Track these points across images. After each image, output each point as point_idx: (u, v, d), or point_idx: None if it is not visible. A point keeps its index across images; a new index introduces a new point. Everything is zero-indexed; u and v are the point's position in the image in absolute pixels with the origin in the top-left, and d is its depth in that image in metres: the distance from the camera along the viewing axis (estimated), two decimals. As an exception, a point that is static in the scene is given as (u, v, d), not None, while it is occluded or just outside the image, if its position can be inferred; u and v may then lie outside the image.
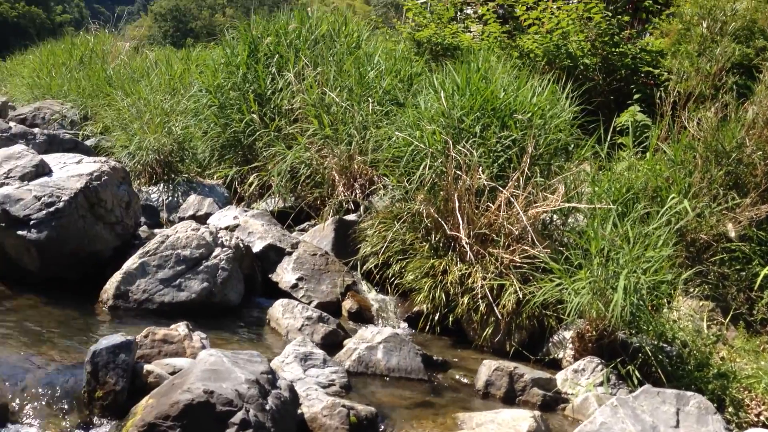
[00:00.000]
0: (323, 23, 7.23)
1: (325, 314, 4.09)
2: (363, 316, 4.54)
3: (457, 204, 4.39)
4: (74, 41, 12.72)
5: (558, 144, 4.75)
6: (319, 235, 5.23)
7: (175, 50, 13.22)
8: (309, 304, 4.43)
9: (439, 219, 4.49)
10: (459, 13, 9.54)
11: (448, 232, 4.43)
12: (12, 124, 6.22)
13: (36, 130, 6.38)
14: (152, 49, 12.94)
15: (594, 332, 3.82)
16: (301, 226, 5.74)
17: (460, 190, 4.39)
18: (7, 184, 4.06)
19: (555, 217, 4.52)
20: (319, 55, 6.75)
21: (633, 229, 3.76)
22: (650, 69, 6.86)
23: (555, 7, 7.52)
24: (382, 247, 4.74)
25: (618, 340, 3.81)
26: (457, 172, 4.41)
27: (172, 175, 6.11)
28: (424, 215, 4.57)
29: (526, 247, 4.13)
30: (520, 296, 4.03)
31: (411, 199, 4.71)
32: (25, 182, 4.10)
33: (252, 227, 5.03)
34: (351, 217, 5.32)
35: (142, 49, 12.69)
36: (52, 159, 4.50)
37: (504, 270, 4.18)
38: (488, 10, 7.98)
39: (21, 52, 17.17)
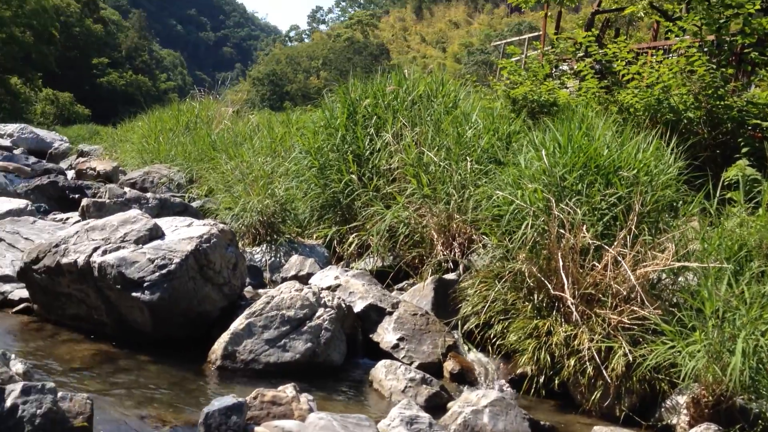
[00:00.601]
0: (420, 84, 7.34)
1: (428, 376, 4.05)
2: (465, 377, 4.47)
3: (560, 263, 4.30)
4: (180, 108, 13.33)
5: (665, 201, 4.63)
6: (419, 294, 5.22)
7: (273, 113, 13.68)
8: (410, 364, 4.40)
9: (542, 278, 4.41)
10: (554, 70, 9.52)
11: (552, 292, 4.35)
12: (126, 189, 6.53)
13: (149, 194, 6.68)
14: (252, 113, 13.40)
15: (710, 397, 3.64)
16: (400, 285, 5.75)
17: (563, 249, 4.32)
18: (124, 247, 4.23)
19: (664, 276, 4.37)
20: (417, 116, 6.84)
21: (749, 288, 3.60)
22: (758, 122, 6.63)
23: (655, 60, 7.40)
24: (483, 306, 4.68)
25: (736, 406, 3.62)
26: (560, 230, 4.34)
27: (275, 236, 6.25)
28: (527, 274, 4.50)
29: (635, 308, 4.01)
30: (630, 359, 3.89)
31: (512, 258, 4.65)
32: (140, 245, 4.27)
33: (353, 287, 5.06)
34: (450, 276, 5.28)
35: (242, 113, 13.16)
36: (164, 222, 4.67)
37: (612, 331, 4.06)
38: (585, 65, 7.93)
39: (130, 119, 18.09)
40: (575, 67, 8.61)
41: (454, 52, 68.17)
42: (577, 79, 8.45)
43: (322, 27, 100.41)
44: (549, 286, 4.37)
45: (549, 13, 12.38)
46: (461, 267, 5.32)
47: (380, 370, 4.11)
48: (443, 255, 5.47)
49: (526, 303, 4.56)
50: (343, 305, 4.55)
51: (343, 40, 71.84)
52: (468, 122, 6.51)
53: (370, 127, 6.92)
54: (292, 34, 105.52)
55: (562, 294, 4.26)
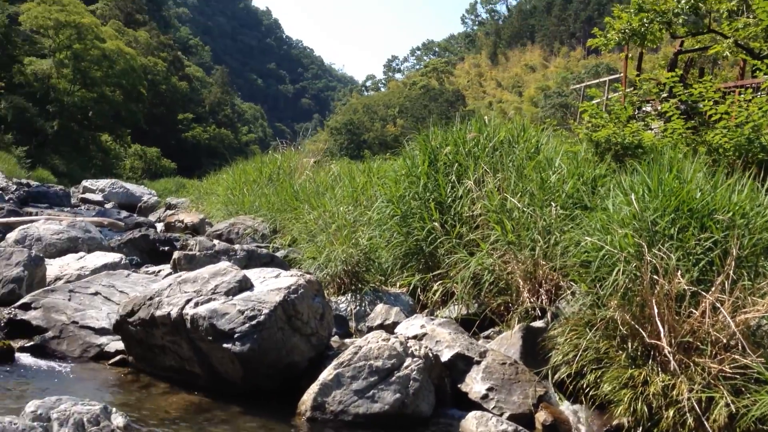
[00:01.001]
0: (501, 131, 7.32)
1: (520, 427, 3.96)
2: (558, 429, 4.34)
3: (655, 310, 4.17)
4: (263, 160, 13.64)
5: (763, 244, 4.45)
6: (507, 343, 5.12)
7: (352, 162, 13.85)
8: (500, 415, 4.30)
9: (636, 326, 4.28)
10: (637, 112, 9.36)
11: (647, 340, 4.20)
12: (215, 241, 6.68)
13: (237, 246, 6.81)
14: (332, 162, 13.59)
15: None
16: (486, 333, 5.66)
17: (657, 296, 4.18)
18: (215, 299, 4.31)
19: (765, 322, 4.18)
20: (498, 162, 6.81)
21: None
22: None
23: (743, 99, 7.20)
24: (575, 355, 4.55)
25: None
26: (654, 276, 4.21)
27: (359, 285, 6.27)
28: (619, 322, 4.37)
29: (736, 356, 3.83)
30: (733, 410, 3.71)
31: (603, 305, 4.53)
32: (230, 297, 4.35)
33: (439, 336, 5.01)
34: (538, 324, 5.18)
35: (322, 163, 13.37)
36: (252, 274, 4.75)
37: (712, 381, 3.89)
38: (670, 106, 7.76)
39: (214, 172, 18.61)
40: (659, 108, 8.45)
41: (531, 95, 68.06)
42: (662, 120, 8.28)
43: (398, 76, 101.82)
44: (644, 334, 4.23)
45: (629, 55, 12.23)
46: (549, 314, 5.21)
47: (471, 422, 4.03)
48: (530, 302, 5.37)
49: (620, 351, 4.42)
50: (431, 355, 4.50)
51: (419, 88, 72.62)
52: (551, 167, 6.44)
53: (451, 175, 6.92)
54: (368, 83, 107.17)
55: (658, 342, 4.12)
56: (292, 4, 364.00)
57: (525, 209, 5.83)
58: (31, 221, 8.35)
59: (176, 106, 66.30)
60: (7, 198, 15.43)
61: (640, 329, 4.26)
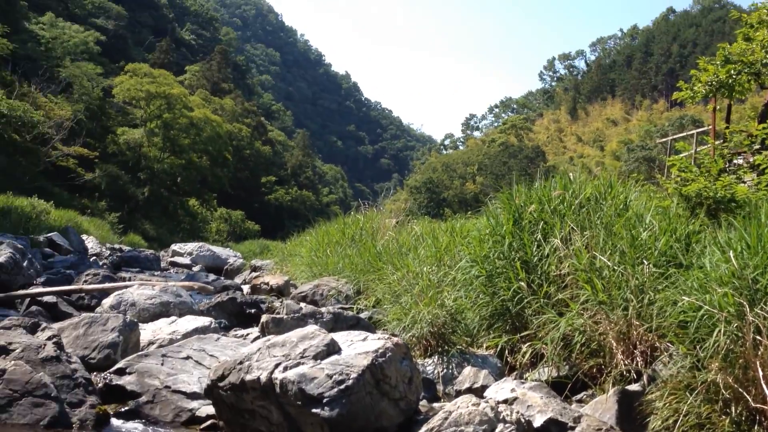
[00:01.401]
0: (587, 187, 7.19)
1: (621, 498, 3.77)
2: (661, 499, 4.12)
3: (760, 372, 3.96)
4: (345, 221, 13.77)
5: None
6: (601, 407, 4.93)
7: (432, 220, 13.84)
8: (598, 484, 4.12)
9: (740, 389, 4.07)
10: (728, 164, 9.09)
11: (752, 405, 3.99)
12: (302, 305, 6.73)
13: (323, 309, 6.85)
14: (413, 221, 13.59)
15: None
16: (579, 397, 5.48)
17: (761, 358, 3.97)
18: (303, 363, 4.31)
19: None
20: (586, 219, 6.67)
21: None
22: None
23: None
24: (675, 421, 4.35)
25: None
26: (757, 337, 4.01)
27: (446, 347, 6.18)
28: (721, 386, 4.16)
29: None
30: None
31: (704, 367, 4.33)
32: (318, 361, 4.34)
33: (530, 400, 4.87)
34: (634, 387, 4.98)
35: (404, 222, 13.38)
36: (340, 337, 4.74)
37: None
38: (764, 158, 7.51)
39: (297, 233, 18.88)
40: (752, 160, 8.18)
41: (613, 149, 67.10)
42: (755, 172, 8.01)
43: (476, 134, 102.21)
44: (748, 398, 4.01)
45: (717, 107, 11.96)
46: (645, 377, 5.01)
47: (567, 492, 3.87)
48: (624, 364, 5.18)
49: (723, 416, 4.20)
50: (522, 420, 4.37)
51: (498, 145, 72.63)
52: (641, 224, 6.27)
53: (536, 233, 6.81)
54: (446, 142, 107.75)
55: (764, 406, 3.90)
56: (370, 68, 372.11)
57: (615, 268, 5.67)
58: (125, 287, 8.61)
59: (260, 169, 68.08)
60: (101, 263, 16.00)
61: (744, 393, 4.05)
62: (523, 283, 6.34)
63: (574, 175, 7.70)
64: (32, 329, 5.26)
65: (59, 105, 36.41)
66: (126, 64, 50.74)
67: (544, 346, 5.79)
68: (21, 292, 8.53)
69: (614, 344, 5.35)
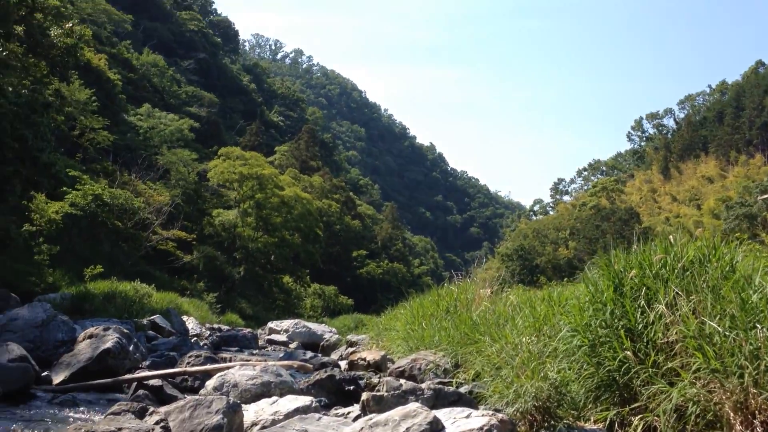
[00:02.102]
0: (689, 250, 6.95)
1: None
2: None
3: None
4: (439, 292, 13.69)
5: None
6: (724, 483, 4.65)
7: (527, 288, 13.60)
8: None
9: None
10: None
11: None
12: (402, 381, 6.67)
13: (423, 385, 6.77)
14: (507, 290, 13.39)
15: None
16: (697, 471, 5.19)
17: None
18: (407, 442, 4.25)
19: None
20: (690, 283, 6.43)
21: None
22: None
23: None
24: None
25: None
26: None
27: (552, 422, 5.98)
28: None
29: None
30: None
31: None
32: (422, 440, 4.27)
33: (646, 477, 4.64)
34: (757, 460, 4.69)
35: (497, 291, 13.20)
36: (442, 414, 4.67)
37: None
38: None
39: (390, 306, 18.88)
40: None
41: (711, 208, 65.03)
42: None
43: (566, 198, 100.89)
44: None
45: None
46: (769, 449, 4.72)
47: None
48: (744, 436, 4.90)
49: None
50: (640, 499, 4.16)
51: (589, 208, 71.44)
52: (751, 285, 5.99)
53: (639, 299, 6.59)
54: (536, 207, 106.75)
55: None
56: (454, 138, 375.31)
57: (727, 333, 5.41)
58: (227, 368, 8.74)
59: (350, 244, 68.88)
60: (202, 344, 16.35)
61: None
62: (629, 353, 6.11)
63: (674, 238, 7.47)
64: (140, 414, 5.39)
65: (158, 191, 37.99)
66: (219, 149, 52.80)
67: (656, 418, 5.54)
68: (128, 376, 8.78)
69: (731, 414, 5.08)
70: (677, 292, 6.25)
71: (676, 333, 5.89)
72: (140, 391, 8.01)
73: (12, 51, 17.98)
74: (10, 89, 13.46)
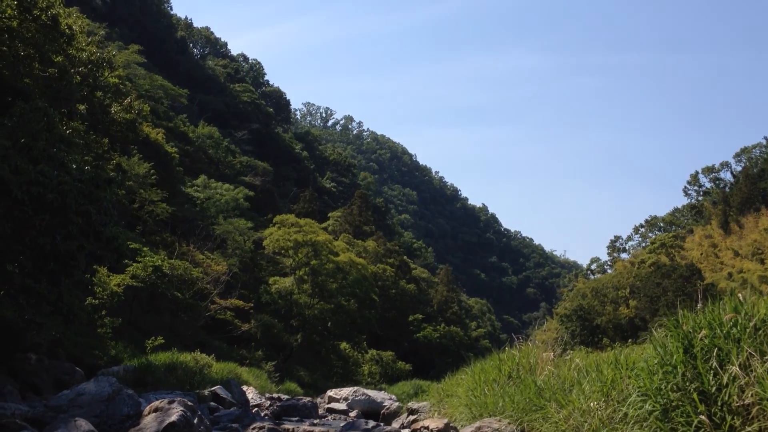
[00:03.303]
0: (761, 308, 6.76)
1: None
2: None
3: None
4: (501, 357, 13.49)
5: None
6: None
7: (589, 350, 13.32)
8: None
9: None
10: None
11: None
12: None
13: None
14: (568, 352, 13.13)
15: None
16: None
17: None
18: None
19: None
20: (764, 342, 6.24)
21: None
22: None
23: None
24: None
25: None
26: None
27: (627, 491, 5.79)
28: None
29: None
30: None
31: None
32: None
33: None
34: None
35: (560, 354, 12.94)
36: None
37: None
38: None
39: (450, 371, 18.62)
40: None
41: (775, 261, 63.13)
42: None
43: (624, 255, 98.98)
44: None
45: None
46: None
47: None
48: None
49: None
50: None
51: (648, 266, 70.02)
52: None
53: (711, 360, 6.41)
54: (593, 266, 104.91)
55: None
56: (506, 199, 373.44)
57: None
58: (291, 439, 8.71)
59: (406, 308, 68.50)
60: (263, 414, 16.33)
61: None
62: (703, 417, 5.93)
63: (743, 296, 7.28)
64: (209, 489, 5.37)
65: (215, 261, 38.54)
66: (273, 216, 53.54)
67: (737, 485, 5.33)
68: (193, 450, 8.80)
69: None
70: (750, 353, 6.07)
71: (752, 395, 5.70)
72: (206, 465, 8.01)
73: (75, 129, 18.72)
74: (74, 166, 13.93)
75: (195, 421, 9.77)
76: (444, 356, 60.74)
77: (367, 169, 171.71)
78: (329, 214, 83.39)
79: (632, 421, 6.75)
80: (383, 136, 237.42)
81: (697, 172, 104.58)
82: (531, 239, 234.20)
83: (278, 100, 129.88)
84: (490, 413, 10.80)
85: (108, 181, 14.88)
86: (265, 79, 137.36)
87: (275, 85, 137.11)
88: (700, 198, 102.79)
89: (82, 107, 19.60)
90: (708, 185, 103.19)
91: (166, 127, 56.82)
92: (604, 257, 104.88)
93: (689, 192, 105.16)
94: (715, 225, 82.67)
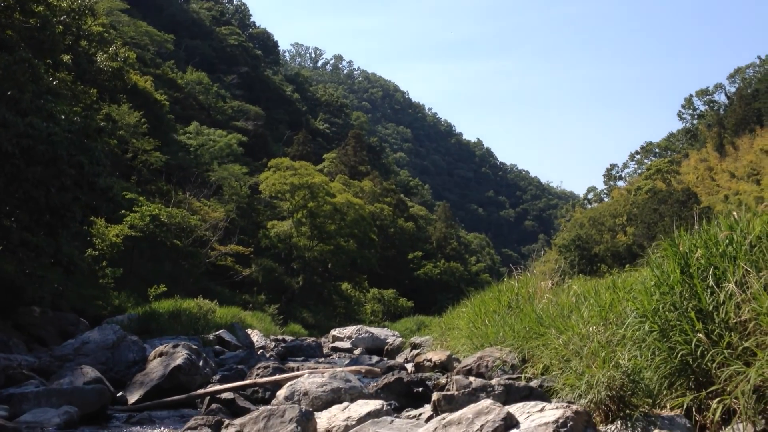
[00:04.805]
0: (756, 225, 6.77)
1: None
2: None
3: None
4: (500, 288, 13.59)
5: None
6: (813, 463, 4.51)
7: (588, 278, 13.41)
8: None
9: None
10: None
11: None
12: (471, 379, 6.64)
13: (493, 382, 6.72)
14: (567, 281, 13.23)
15: None
16: (783, 452, 5.03)
17: None
18: (483, 440, 4.22)
19: None
20: (760, 259, 6.26)
21: None
22: None
23: None
24: None
25: None
26: None
27: (627, 411, 5.87)
28: None
29: None
30: None
31: None
32: (498, 437, 4.24)
33: (731, 461, 4.52)
34: None
35: (559, 283, 13.04)
36: (515, 410, 4.63)
37: None
38: None
39: (451, 305, 18.80)
40: None
41: (771, 181, 63.24)
42: None
43: (620, 183, 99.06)
44: None
45: None
46: None
47: None
48: (831, 414, 4.74)
49: None
50: (726, 484, 4.06)
51: (645, 192, 70.16)
52: (825, 257, 5.81)
53: (708, 279, 6.44)
54: (590, 196, 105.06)
55: None
56: (501, 132, 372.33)
57: (803, 308, 5.25)
58: (296, 377, 8.81)
59: (405, 246, 68.82)
60: (268, 355, 16.53)
61: None
62: (701, 335, 5.97)
63: (737, 214, 7.28)
64: (216, 427, 5.47)
65: (212, 207, 38.53)
66: (268, 161, 53.35)
67: (734, 400, 5.40)
68: (200, 391, 8.91)
69: (815, 394, 4.92)
70: (746, 270, 6.09)
71: (748, 311, 5.74)
72: (213, 405, 8.13)
73: (61, 79, 18.47)
74: (63, 117, 13.78)
75: (200, 363, 9.89)
76: (445, 292, 61.20)
77: (360, 109, 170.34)
78: (324, 156, 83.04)
79: (631, 343, 6.82)
80: (374, 75, 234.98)
81: (691, 96, 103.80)
82: (527, 172, 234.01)
83: (266, 42, 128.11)
84: (491, 343, 10.92)
85: (98, 130, 14.77)
86: (252, 20, 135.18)
87: (262, 27, 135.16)
88: (694, 122, 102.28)
89: (66, 57, 19.29)
90: (702, 108, 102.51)
91: (153, 74, 56.06)
92: (601, 186, 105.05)
93: (684, 116, 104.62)
94: (711, 148, 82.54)
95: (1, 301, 14.49)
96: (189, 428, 5.42)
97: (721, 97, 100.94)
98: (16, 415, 7.18)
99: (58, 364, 10.21)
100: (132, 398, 9.04)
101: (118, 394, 9.26)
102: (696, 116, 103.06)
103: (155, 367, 9.58)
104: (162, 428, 7.35)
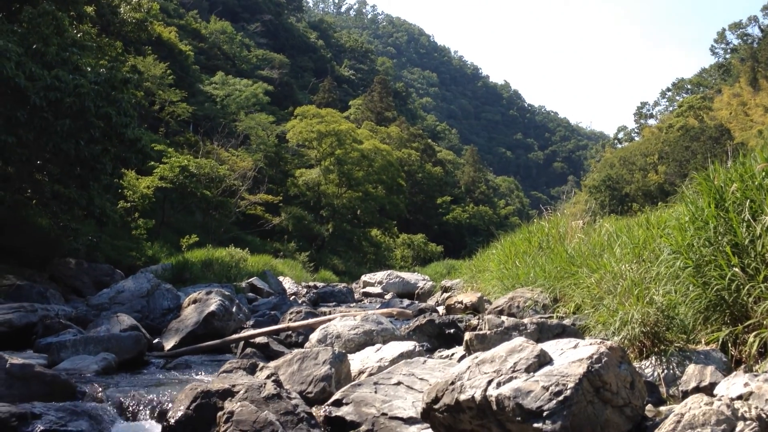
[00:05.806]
0: (793, 156, 6.60)
1: None
2: None
3: None
4: (530, 229, 13.51)
5: None
6: None
7: (619, 218, 13.27)
8: None
9: None
10: None
11: None
12: (504, 318, 6.63)
13: (525, 320, 6.71)
14: (598, 221, 13.09)
15: None
16: (822, 385, 4.96)
17: None
18: (515, 377, 4.21)
19: None
20: (798, 191, 6.11)
21: None
22: None
23: None
24: None
25: None
26: None
27: (662, 346, 5.84)
28: None
29: None
30: None
31: None
32: (531, 373, 4.22)
33: (768, 393, 4.47)
34: None
35: (590, 223, 12.91)
36: (548, 347, 4.60)
37: None
38: None
39: (481, 249, 18.77)
40: None
41: (806, 114, 61.79)
42: None
43: (651, 122, 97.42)
44: None
45: None
46: None
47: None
48: None
49: None
50: (764, 415, 4.01)
51: (677, 130, 68.99)
52: None
53: (743, 213, 6.31)
54: (620, 135, 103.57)
55: None
56: (528, 73, 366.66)
57: (843, 239, 5.13)
58: (329, 320, 8.87)
59: (434, 191, 68.74)
60: (300, 301, 16.68)
61: None
62: (737, 269, 5.88)
63: (775, 146, 7.10)
64: (251, 370, 5.52)
65: (240, 157, 38.65)
66: (294, 109, 53.24)
67: (771, 334, 5.33)
68: (235, 336, 9.02)
69: None
70: (784, 202, 5.96)
71: (785, 244, 5.63)
72: (248, 350, 8.23)
73: (86, 32, 18.43)
74: (89, 69, 13.77)
75: (233, 309, 9.99)
76: (474, 236, 61.25)
77: (385, 54, 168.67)
78: (350, 103, 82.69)
79: (665, 279, 6.74)
80: (399, 19, 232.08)
81: (724, 30, 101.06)
82: (556, 113, 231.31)
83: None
84: (522, 284, 10.89)
85: (124, 81, 14.73)
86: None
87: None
88: (727, 56, 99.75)
89: (90, 9, 19.23)
90: (735, 42, 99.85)
91: (177, 24, 55.86)
92: (632, 125, 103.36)
93: (716, 51, 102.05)
94: (744, 83, 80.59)
95: (37, 253, 14.74)
96: (225, 371, 5.48)
97: (754, 30, 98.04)
98: (55, 363, 7.33)
99: (94, 313, 10.39)
100: (168, 344, 9.18)
101: (154, 341, 9.41)
102: (729, 50, 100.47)
103: (189, 314, 9.70)
104: (199, 372, 7.48)
